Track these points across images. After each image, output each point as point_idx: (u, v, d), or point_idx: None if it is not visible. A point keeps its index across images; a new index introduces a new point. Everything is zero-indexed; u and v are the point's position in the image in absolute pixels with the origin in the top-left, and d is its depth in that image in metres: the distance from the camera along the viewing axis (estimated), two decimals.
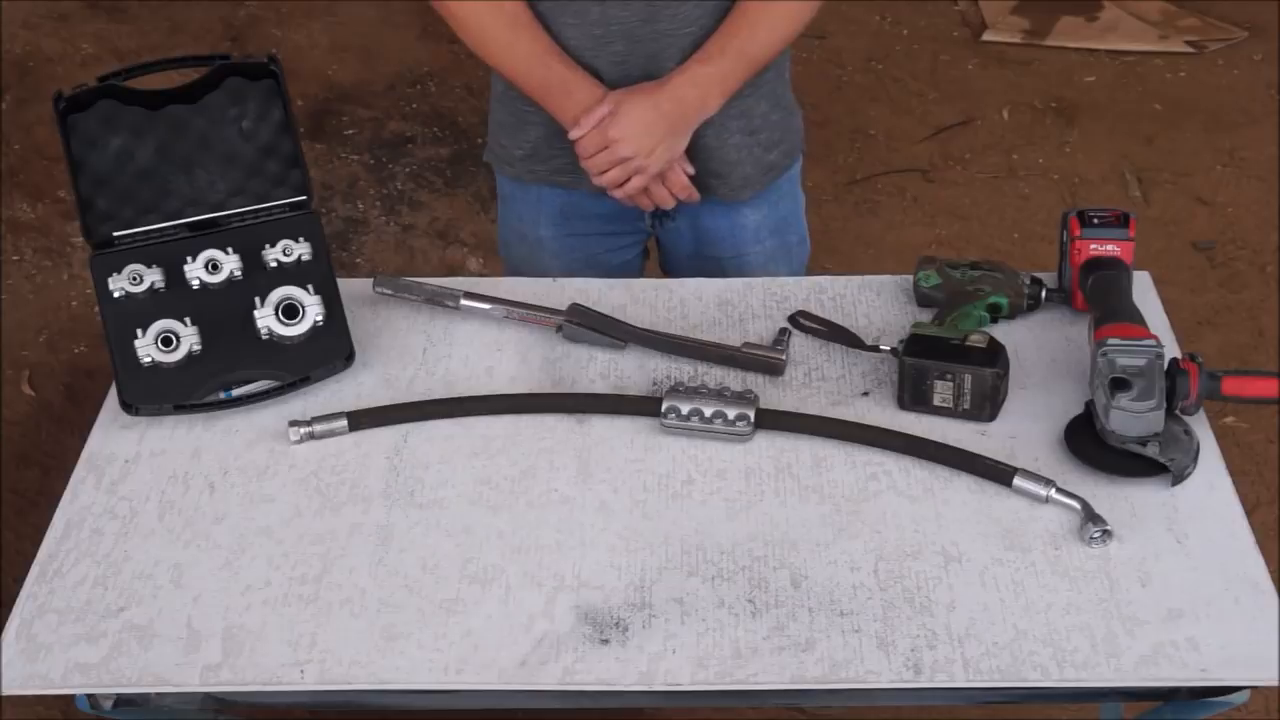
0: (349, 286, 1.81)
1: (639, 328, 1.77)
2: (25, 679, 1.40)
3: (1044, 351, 1.74)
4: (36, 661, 1.41)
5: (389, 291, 1.84)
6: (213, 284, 1.74)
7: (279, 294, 1.72)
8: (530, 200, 2.04)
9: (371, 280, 1.85)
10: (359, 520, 1.55)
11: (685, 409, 1.63)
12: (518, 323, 1.81)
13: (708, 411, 1.62)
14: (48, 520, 1.57)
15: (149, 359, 1.68)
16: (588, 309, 1.78)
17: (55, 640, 1.43)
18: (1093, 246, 1.73)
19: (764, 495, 1.57)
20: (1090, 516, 1.49)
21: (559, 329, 1.78)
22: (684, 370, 1.74)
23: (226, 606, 1.46)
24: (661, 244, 2.11)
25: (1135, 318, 1.62)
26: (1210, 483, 1.55)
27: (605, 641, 1.41)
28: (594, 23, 1.83)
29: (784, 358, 1.72)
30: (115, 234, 1.75)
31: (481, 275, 3.38)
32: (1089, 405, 1.59)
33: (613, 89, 1.86)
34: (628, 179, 1.86)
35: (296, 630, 1.43)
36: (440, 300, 1.82)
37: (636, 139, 1.82)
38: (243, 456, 1.64)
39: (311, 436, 1.65)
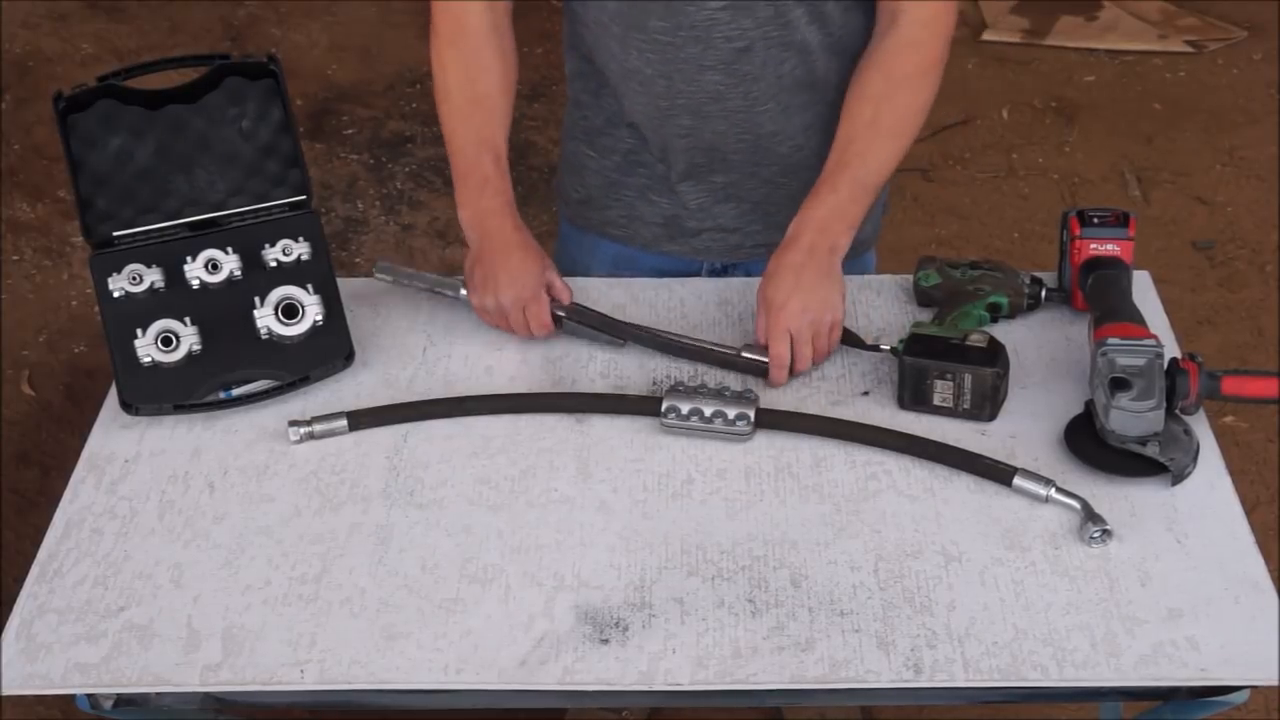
0: (349, 286, 1.81)
1: (638, 326, 1.77)
2: (25, 679, 1.40)
3: (1044, 351, 1.74)
4: (36, 661, 1.41)
5: (388, 279, 1.83)
6: (212, 284, 1.74)
7: (279, 294, 1.72)
8: (584, 246, 2.00)
9: (371, 276, 1.85)
10: (359, 520, 1.55)
11: (685, 409, 1.63)
12: None
13: (708, 411, 1.62)
14: (48, 520, 1.57)
15: (149, 359, 1.68)
16: (586, 308, 1.78)
17: (55, 640, 1.43)
18: (1093, 246, 1.73)
19: (764, 495, 1.57)
20: (1090, 516, 1.49)
21: (559, 324, 1.77)
22: (684, 370, 1.74)
23: (226, 606, 1.46)
24: None
25: (1135, 317, 1.62)
26: (1210, 482, 1.55)
27: (605, 641, 1.41)
28: (659, 95, 1.77)
29: None
30: (115, 234, 1.75)
31: None
32: (1089, 405, 1.59)
33: (679, 160, 1.83)
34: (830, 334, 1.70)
35: (296, 630, 1.43)
36: (441, 291, 1.82)
37: (803, 298, 1.67)
38: (242, 456, 1.64)
39: (311, 436, 1.65)
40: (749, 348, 1.72)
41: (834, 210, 1.69)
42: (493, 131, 1.79)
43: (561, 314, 1.77)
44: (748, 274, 1.94)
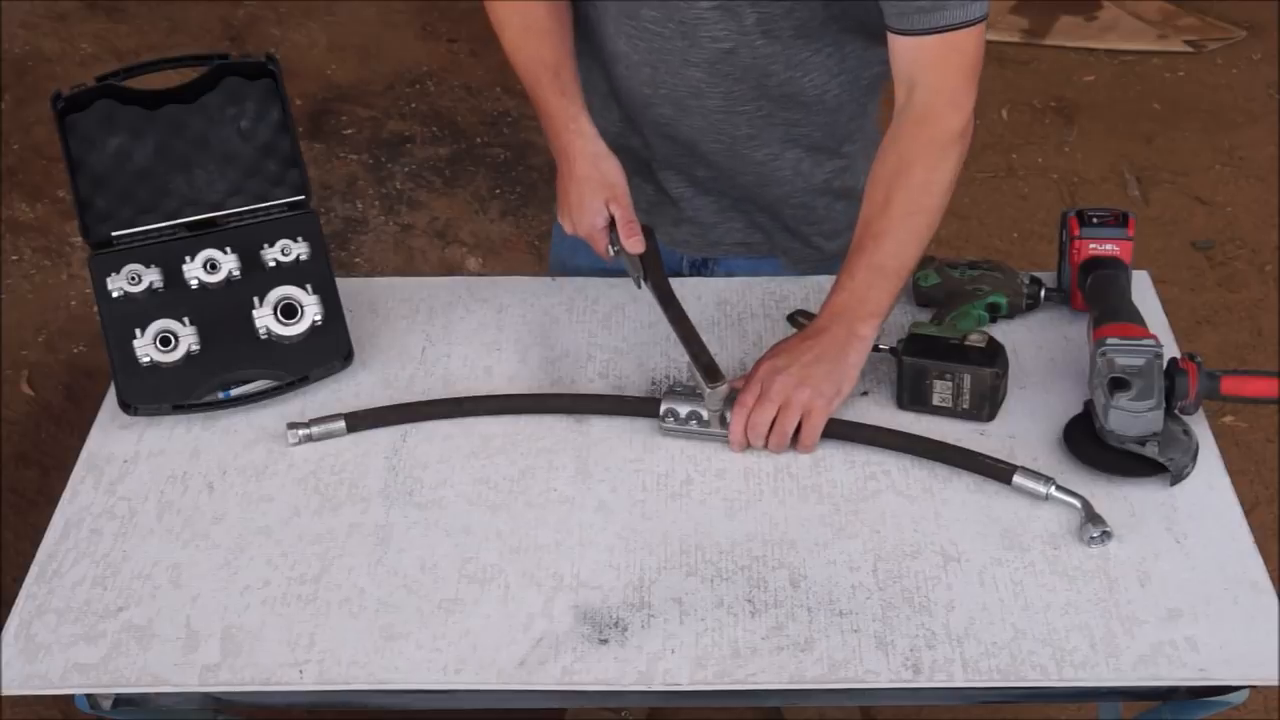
0: (347, 286, 1.81)
1: (672, 301, 1.70)
2: (25, 679, 1.40)
3: (1043, 351, 1.74)
4: (36, 661, 1.41)
5: None
6: (211, 284, 1.73)
7: (277, 293, 1.72)
8: (571, 237, 1.98)
9: (370, 276, 1.84)
10: (358, 520, 1.55)
11: (683, 411, 1.62)
12: (516, 321, 1.82)
13: (705, 414, 1.61)
14: (47, 520, 1.57)
15: (147, 359, 1.68)
16: (643, 257, 1.73)
17: (54, 640, 1.43)
18: (1092, 246, 1.73)
19: (763, 495, 1.56)
20: (1090, 516, 1.49)
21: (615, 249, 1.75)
22: (684, 370, 1.74)
23: (225, 606, 1.46)
24: None
25: (1134, 317, 1.62)
26: (1209, 482, 1.55)
27: (604, 641, 1.41)
28: (644, 82, 1.77)
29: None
30: (114, 234, 1.74)
31: (481, 275, 3.38)
32: (1088, 405, 1.59)
33: (659, 148, 1.84)
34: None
35: (295, 630, 1.43)
36: None
37: (801, 374, 1.60)
38: (241, 456, 1.64)
39: (310, 439, 1.65)
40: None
41: (851, 296, 1.62)
42: (545, 52, 1.77)
43: (615, 250, 1.75)
44: (729, 272, 1.95)
